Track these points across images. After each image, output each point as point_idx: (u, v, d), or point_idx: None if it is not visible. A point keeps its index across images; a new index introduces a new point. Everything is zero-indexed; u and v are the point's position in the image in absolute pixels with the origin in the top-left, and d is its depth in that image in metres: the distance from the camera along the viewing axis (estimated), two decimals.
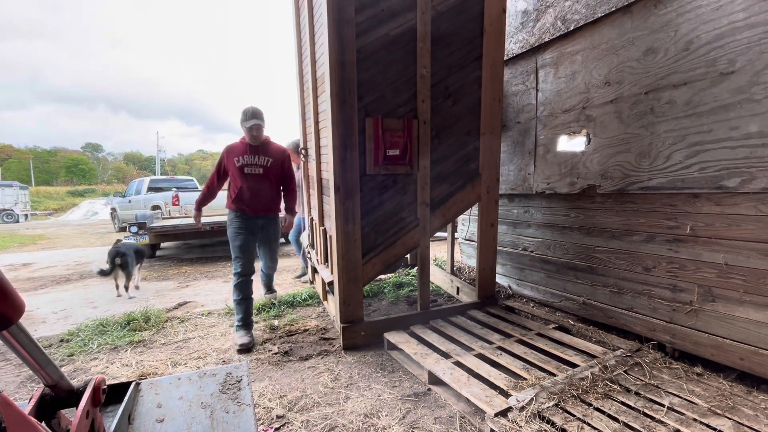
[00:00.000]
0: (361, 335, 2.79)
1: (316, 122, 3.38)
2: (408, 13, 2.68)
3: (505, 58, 3.60)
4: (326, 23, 2.51)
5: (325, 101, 2.79)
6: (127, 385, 0.98)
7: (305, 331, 3.15)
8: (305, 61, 3.86)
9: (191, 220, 7.10)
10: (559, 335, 2.63)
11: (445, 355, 2.40)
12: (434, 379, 2.24)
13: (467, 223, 4.56)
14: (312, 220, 4.20)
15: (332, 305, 3.23)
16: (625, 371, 2.12)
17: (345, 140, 2.61)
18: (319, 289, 3.92)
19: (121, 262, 4.16)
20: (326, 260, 3.38)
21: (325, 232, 3.42)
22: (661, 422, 1.70)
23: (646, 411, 1.77)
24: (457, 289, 3.81)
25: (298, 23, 4.15)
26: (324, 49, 2.68)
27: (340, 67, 2.53)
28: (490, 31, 2.93)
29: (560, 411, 1.78)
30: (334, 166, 2.61)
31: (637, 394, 1.92)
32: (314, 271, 4.13)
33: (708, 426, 1.66)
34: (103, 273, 4.17)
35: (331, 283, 3.08)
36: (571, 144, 3.13)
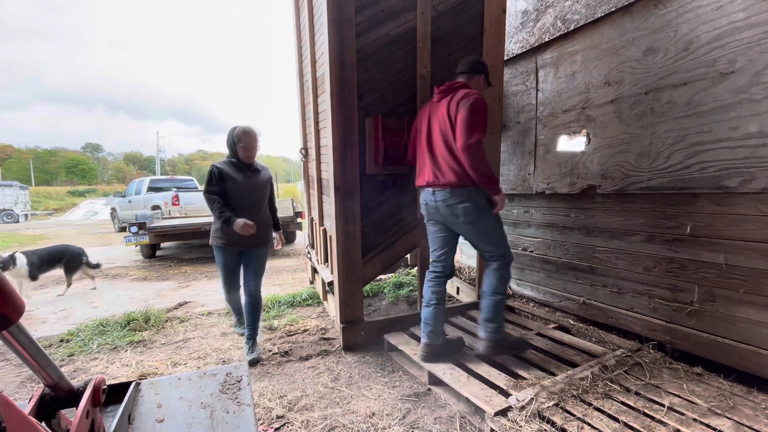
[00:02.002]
0: (361, 335, 2.79)
1: (316, 122, 3.38)
2: (408, 14, 2.68)
3: (505, 58, 3.60)
4: (326, 23, 2.51)
5: (325, 101, 2.79)
6: (127, 385, 0.98)
7: (305, 331, 3.15)
8: (305, 62, 3.87)
9: (191, 220, 7.11)
10: (559, 335, 2.63)
11: None
12: (434, 379, 2.24)
13: None
14: (312, 220, 4.20)
15: (332, 305, 3.23)
16: (625, 371, 2.12)
17: (345, 140, 2.61)
18: (319, 289, 3.92)
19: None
20: (326, 260, 3.38)
21: (325, 232, 3.42)
22: (661, 422, 1.70)
23: (646, 411, 1.77)
24: (457, 289, 3.81)
25: (298, 23, 4.15)
26: (324, 50, 2.68)
27: (340, 68, 2.53)
28: (490, 31, 2.93)
29: (560, 411, 1.78)
30: (334, 166, 2.62)
31: (637, 394, 1.92)
32: (314, 271, 4.13)
33: (708, 426, 1.66)
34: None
35: (331, 283, 3.08)
36: (571, 144, 3.12)
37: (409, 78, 2.75)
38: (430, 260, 2.45)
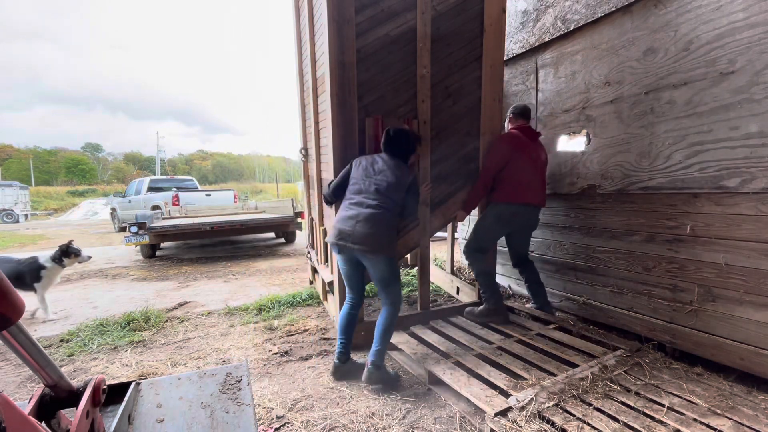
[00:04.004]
0: (361, 335, 2.79)
1: (316, 122, 3.38)
2: (408, 14, 2.67)
3: (505, 58, 3.60)
4: (326, 23, 2.51)
5: (325, 101, 2.79)
6: (127, 385, 0.98)
7: (305, 331, 3.15)
8: (305, 61, 3.87)
9: (191, 220, 7.11)
10: (559, 335, 2.63)
11: (445, 355, 2.40)
12: (434, 379, 2.24)
13: (467, 223, 4.56)
14: (312, 220, 4.20)
15: (332, 305, 3.23)
16: (625, 371, 2.12)
17: (345, 140, 2.61)
18: (319, 289, 3.92)
19: None
20: (326, 260, 3.38)
21: (325, 232, 3.42)
22: (661, 422, 1.70)
23: (646, 411, 1.77)
24: (457, 289, 3.81)
25: (298, 23, 4.15)
26: (324, 49, 2.68)
27: (340, 68, 2.53)
28: (490, 31, 2.92)
29: (560, 411, 1.78)
30: (334, 166, 2.61)
31: (637, 394, 1.92)
32: (314, 271, 4.13)
33: (708, 426, 1.66)
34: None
35: (331, 283, 3.08)
36: (571, 144, 3.12)
37: (409, 78, 2.75)
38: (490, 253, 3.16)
